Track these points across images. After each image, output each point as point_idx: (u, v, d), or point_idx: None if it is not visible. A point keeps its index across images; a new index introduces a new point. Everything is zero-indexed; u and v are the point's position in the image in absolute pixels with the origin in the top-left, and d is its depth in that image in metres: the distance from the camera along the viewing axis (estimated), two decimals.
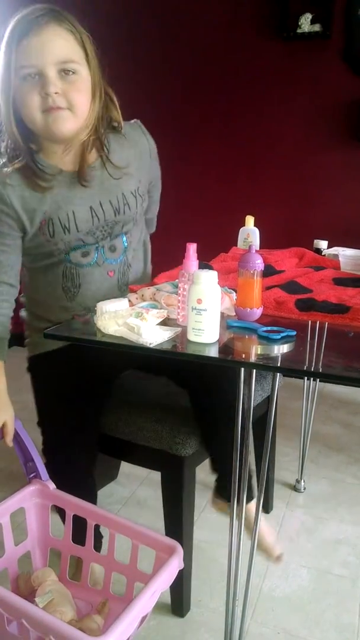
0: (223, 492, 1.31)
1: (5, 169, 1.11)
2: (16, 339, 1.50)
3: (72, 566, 1.30)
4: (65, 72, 1.05)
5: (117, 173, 1.21)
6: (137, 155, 1.29)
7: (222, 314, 0.98)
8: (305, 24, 2.48)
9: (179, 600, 1.36)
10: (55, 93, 1.04)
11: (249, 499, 1.25)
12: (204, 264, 1.34)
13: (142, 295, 1.11)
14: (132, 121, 1.34)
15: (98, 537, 1.25)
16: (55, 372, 1.34)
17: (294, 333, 0.94)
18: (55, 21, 1.03)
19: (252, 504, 1.26)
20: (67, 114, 1.07)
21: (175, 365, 1.23)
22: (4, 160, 1.12)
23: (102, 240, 1.23)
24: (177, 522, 1.30)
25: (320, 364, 0.84)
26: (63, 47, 1.04)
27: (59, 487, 1.23)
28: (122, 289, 1.29)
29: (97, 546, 1.23)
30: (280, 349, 0.90)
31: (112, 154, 1.22)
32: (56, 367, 1.34)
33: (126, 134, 1.27)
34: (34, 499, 1.25)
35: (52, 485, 1.25)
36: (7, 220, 1.15)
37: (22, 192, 1.13)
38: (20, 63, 1.03)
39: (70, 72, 1.05)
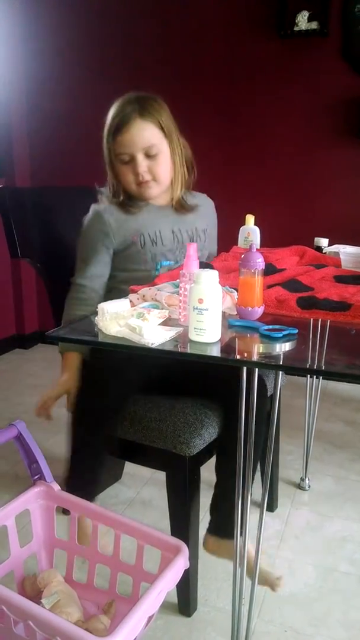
0: (221, 528, 1.31)
1: (107, 205, 1.48)
2: (18, 340, 1.50)
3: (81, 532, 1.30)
4: (148, 153, 1.40)
5: (190, 212, 1.55)
6: (205, 209, 1.63)
7: (224, 314, 0.98)
8: (303, 21, 2.48)
9: (185, 599, 1.36)
10: (144, 171, 1.41)
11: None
12: (205, 263, 1.34)
13: (144, 296, 1.11)
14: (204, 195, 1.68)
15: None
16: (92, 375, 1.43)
17: (296, 331, 0.94)
18: (139, 116, 1.38)
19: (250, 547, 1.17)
20: (153, 184, 1.44)
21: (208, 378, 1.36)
22: (107, 201, 1.49)
23: (182, 260, 1.38)
24: (183, 522, 1.30)
25: (323, 361, 0.84)
26: (146, 137, 1.39)
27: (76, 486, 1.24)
28: None
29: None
30: (282, 348, 0.90)
31: (187, 198, 1.56)
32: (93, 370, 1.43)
33: (202, 202, 1.62)
34: (38, 500, 1.25)
35: (56, 487, 1.25)
36: (103, 238, 1.44)
37: (118, 215, 1.45)
38: (118, 151, 1.41)
39: (153, 152, 1.40)
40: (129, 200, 1.48)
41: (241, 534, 1.06)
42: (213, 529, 1.34)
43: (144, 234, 1.45)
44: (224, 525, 1.29)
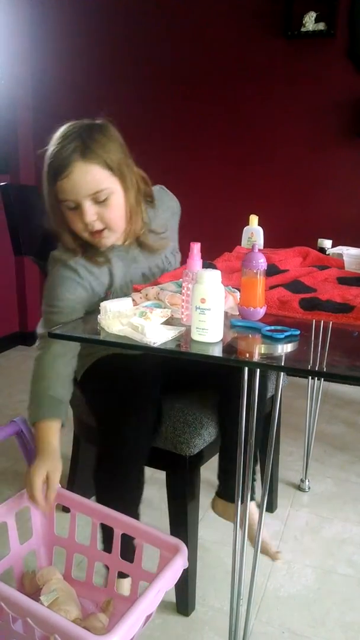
0: (228, 491, 1.32)
1: (71, 259, 1.26)
2: (21, 337, 1.50)
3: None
4: (97, 199, 1.18)
5: (158, 241, 1.37)
6: (170, 217, 1.45)
7: (226, 314, 0.98)
8: (310, 22, 2.48)
9: (183, 599, 1.36)
10: (93, 220, 1.20)
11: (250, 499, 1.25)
12: (208, 263, 1.34)
13: (146, 295, 1.11)
14: (158, 187, 1.45)
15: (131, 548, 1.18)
16: (108, 372, 1.35)
17: (298, 332, 0.93)
18: (81, 158, 1.15)
19: (253, 505, 1.29)
20: (107, 233, 1.23)
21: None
22: (66, 254, 1.27)
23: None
24: (182, 522, 1.30)
25: (325, 363, 0.84)
26: (91, 182, 1.16)
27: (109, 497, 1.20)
28: None
29: (129, 557, 1.17)
30: (284, 349, 0.90)
31: (152, 223, 1.37)
32: (109, 369, 1.35)
33: (158, 199, 1.40)
34: None
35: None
36: (80, 291, 1.26)
37: (90, 269, 1.27)
38: (61, 197, 1.18)
39: (102, 198, 1.18)
40: (91, 248, 1.27)
41: (241, 534, 1.06)
42: (222, 493, 1.35)
43: (115, 287, 1.30)
44: (232, 488, 1.25)
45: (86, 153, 1.15)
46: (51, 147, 1.18)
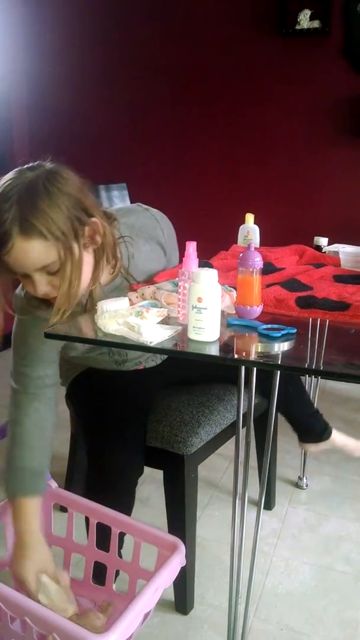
0: (309, 433, 1.60)
1: (38, 311, 1.14)
2: None
3: None
4: (49, 271, 1.02)
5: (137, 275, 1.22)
6: (154, 248, 1.27)
7: (223, 312, 0.98)
8: (304, 20, 2.48)
9: (182, 597, 1.36)
10: (46, 292, 1.05)
11: (329, 434, 1.61)
12: (204, 262, 1.34)
13: (143, 294, 1.11)
14: (136, 206, 1.29)
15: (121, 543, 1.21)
16: (95, 387, 1.35)
17: (295, 331, 0.94)
18: (20, 235, 0.97)
19: (335, 435, 1.62)
20: (61, 297, 1.04)
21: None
22: (31, 303, 1.15)
23: None
24: (180, 520, 1.31)
25: (321, 361, 0.85)
26: (35, 258, 1.00)
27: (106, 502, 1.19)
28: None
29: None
30: (281, 347, 0.90)
31: (132, 264, 1.21)
32: (96, 384, 1.35)
33: (139, 229, 1.24)
34: None
35: (54, 484, 1.25)
36: (50, 342, 1.16)
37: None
38: (8, 269, 1.03)
39: (54, 270, 1.02)
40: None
41: (239, 532, 1.07)
42: (308, 439, 1.61)
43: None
44: (315, 429, 1.60)
45: (26, 228, 0.96)
46: None
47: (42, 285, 1.04)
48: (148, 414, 1.32)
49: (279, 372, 0.95)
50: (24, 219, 0.96)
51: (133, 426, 1.27)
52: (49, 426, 1.17)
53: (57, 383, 1.21)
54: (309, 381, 1.82)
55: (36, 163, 1.07)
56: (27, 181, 1.01)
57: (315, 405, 1.64)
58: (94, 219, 1.05)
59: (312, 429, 1.59)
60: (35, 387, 1.15)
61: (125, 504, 1.26)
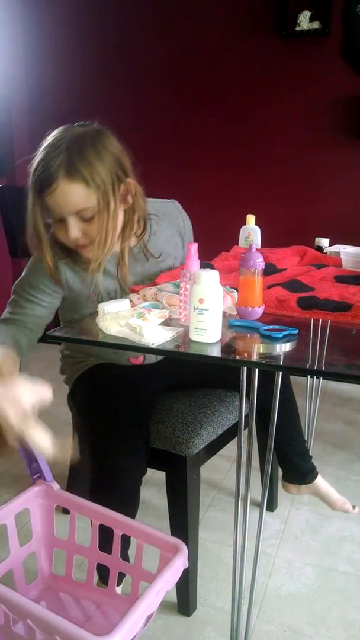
0: (293, 472, 1.54)
1: (59, 260, 1.24)
2: None
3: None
4: (82, 217, 1.14)
5: (154, 259, 1.33)
6: (174, 234, 1.40)
7: (224, 313, 0.98)
8: (304, 21, 2.48)
9: (185, 599, 1.36)
10: (77, 237, 1.16)
11: (313, 477, 1.54)
12: (206, 263, 1.34)
13: (144, 296, 1.11)
14: (170, 201, 1.43)
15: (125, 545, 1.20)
16: (99, 386, 1.35)
17: (296, 331, 0.94)
18: (65, 177, 1.09)
19: (318, 481, 1.55)
20: (91, 247, 1.17)
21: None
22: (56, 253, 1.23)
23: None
24: (182, 522, 1.30)
25: (323, 362, 0.84)
26: (75, 201, 1.11)
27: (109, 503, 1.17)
28: None
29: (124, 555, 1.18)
30: (283, 348, 0.90)
31: (152, 240, 1.32)
32: (99, 383, 1.36)
33: (164, 214, 1.37)
34: (38, 499, 1.25)
35: (56, 486, 1.25)
36: (55, 287, 1.25)
37: (70, 275, 1.25)
38: (46, 209, 1.15)
39: (88, 216, 1.14)
40: (76, 253, 1.24)
41: (242, 533, 1.06)
42: (292, 478, 1.55)
43: (101, 292, 1.28)
44: (298, 471, 1.54)
45: (71, 172, 1.08)
46: (38, 156, 1.12)
47: (75, 230, 1.14)
48: (150, 414, 1.32)
49: (281, 372, 0.95)
50: (71, 164, 1.08)
51: (136, 425, 1.26)
52: (22, 340, 1.19)
53: (36, 337, 1.27)
54: (310, 382, 1.82)
55: (85, 122, 1.18)
56: (77, 134, 1.12)
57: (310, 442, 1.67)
58: (129, 180, 1.17)
59: (298, 468, 1.53)
60: (20, 315, 1.23)
61: (130, 503, 1.26)
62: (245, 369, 0.94)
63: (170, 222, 1.38)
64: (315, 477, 1.54)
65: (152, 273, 1.32)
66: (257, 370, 0.94)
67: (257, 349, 0.91)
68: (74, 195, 1.10)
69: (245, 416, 1.02)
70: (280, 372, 0.95)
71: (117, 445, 1.23)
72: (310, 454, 1.60)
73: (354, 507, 1.53)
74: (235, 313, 1.02)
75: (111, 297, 1.28)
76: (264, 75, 2.66)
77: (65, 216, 1.13)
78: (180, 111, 2.85)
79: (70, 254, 1.23)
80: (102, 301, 1.19)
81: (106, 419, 1.27)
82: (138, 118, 2.84)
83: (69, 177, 1.08)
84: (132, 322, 0.92)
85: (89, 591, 1.25)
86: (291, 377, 1.54)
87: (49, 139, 1.13)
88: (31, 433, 0.91)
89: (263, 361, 0.86)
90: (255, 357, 0.89)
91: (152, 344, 0.89)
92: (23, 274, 1.27)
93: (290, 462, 1.53)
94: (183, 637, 1.31)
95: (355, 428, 2.33)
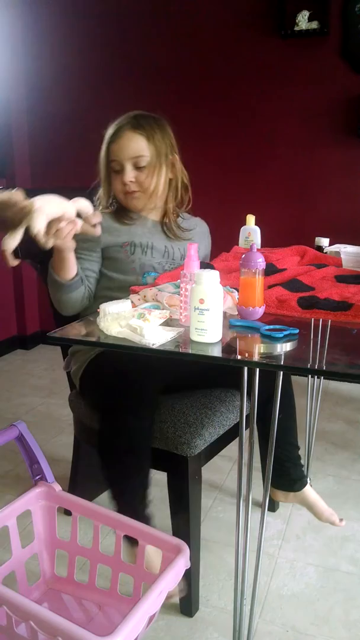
0: (282, 478, 1.51)
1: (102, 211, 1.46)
2: (20, 341, 1.50)
3: None
4: (137, 164, 1.42)
5: (186, 233, 1.55)
6: (199, 233, 1.61)
7: (225, 314, 0.99)
8: (303, 21, 2.48)
9: (187, 599, 1.36)
10: (130, 181, 1.42)
11: (302, 485, 1.52)
12: (206, 263, 1.35)
13: (145, 296, 1.11)
14: (198, 218, 1.67)
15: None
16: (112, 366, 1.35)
17: (297, 331, 0.94)
18: (131, 129, 1.42)
19: (307, 490, 1.52)
20: (139, 195, 1.45)
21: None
22: (101, 206, 1.50)
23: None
24: (184, 522, 1.30)
25: (324, 361, 0.84)
26: (134, 148, 1.41)
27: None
28: None
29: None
30: (283, 348, 0.90)
31: (183, 221, 1.57)
32: (112, 364, 1.35)
33: (193, 223, 1.60)
34: (40, 501, 1.26)
35: (57, 487, 1.25)
36: (93, 244, 1.43)
37: (109, 224, 1.45)
38: (110, 158, 1.44)
39: (141, 164, 1.42)
40: (122, 211, 1.49)
41: (244, 533, 1.06)
42: (279, 484, 1.53)
43: (135, 242, 1.45)
44: (285, 477, 1.51)
45: (136, 126, 1.42)
46: (115, 121, 1.45)
47: (130, 174, 1.41)
48: (160, 387, 1.31)
49: (281, 372, 0.95)
50: (137, 122, 1.43)
51: (147, 390, 1.27)
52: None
53: (91, 290, 1.45)
54: (311, 382, 1.82)
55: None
56: (144, 113, 1.48)
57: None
58: (176, 156, 1.49)
59: (288, 474, 1.51)
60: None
61: (143, 465, 1.26)
62: (246, 369, 0.94)
63: (206, 232, 1.67)
64: (304, 485, 1.52)
65: (182, 241, 1.53)
66: (257, 370, 0.94)
67: (258, 349, 0.91)
68: (134, 142, 1.41)
69: (246, 416, 1.02)
70: (281, 374, 0.95)
71: (128, 404, 1.23)
72: (312, 453, 1.60)
73: (341, 520, 1.50)
74: (236, 313, 1.02)
75: (143, 249, 1.45)
76: (263, 75, 2.66)
77: (124, 161, 1.41)
78: (178, 111, 2.85)
79: (114, 210, 1.49)
80: (134, 253, 1.44)
81: (119, 381, 1.27)
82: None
83: (133, 129, 1.41)
84: (132, 322, 0.92)
85: (91, 592, 1.25)
86: (292, 377, 1.54)
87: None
88: (36, 215, 1.04)
89: (264, 361, 0.86)
90: (256, 357, 0.89)
91: (153, 344, 0.89)
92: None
93: (281, 467, 1.49)
94: (185, 638, 1.31)
95: (357, 428, 2.33)
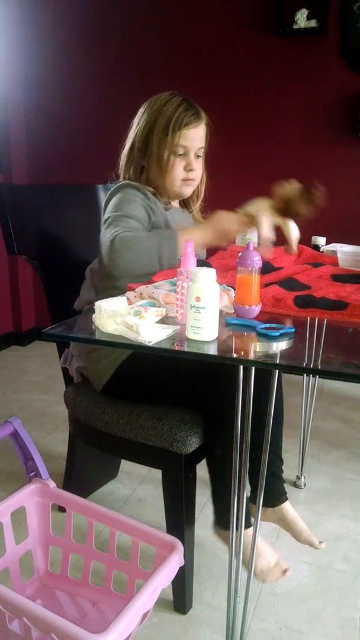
0: (223, 519, 1.28)
1: (142, 187, 1.41)
2: (15, 337, 1.49)
3: None
4: (198, 154, 1.44)
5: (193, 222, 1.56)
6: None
7: (221, 312, 0.98)
8: (302, 19, 2.48)
9: (180, 597, 1.36)
10: (195, 168, 1.44)
11: (282, 501, 1.42)
12: (202, 261, 1.34)
13: (141, 294, 1.10)
14: None
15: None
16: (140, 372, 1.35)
17: (293, 330, 0.94)
18: (202, 119, 1.42)
19: (285, 506, 1.42)
20: (192, 184, 1.47)
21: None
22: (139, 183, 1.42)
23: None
24: (178, 519, 1.31)
25: (320, 360, 0.85)
26: (203, 137, 1.44)
27: None
28: None
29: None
30: (279, 346, 0.90)
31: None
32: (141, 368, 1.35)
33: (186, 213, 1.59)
34: (34, 497, 1.25)
35: (52, 484, 1.25)
36: (144, 213, 1.36)
37: (154, 201, 1.41)
38: (177, 142, 1.39)
39: (200, 154, 1.45)
40: (159, 195, 1.45)
41: (236, 530, 1.07)
42: (219, 522, 1.31)
43: (170, 223, 1.43)
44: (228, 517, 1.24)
45: (203, 117, 1.43)
46: (172, 104, 1.39)
47: (195, 163, 1.43)
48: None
49: (277, 371, 0.95)
50: (201, 111, 1.43)
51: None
52: None
53: None
54: (306, 380, 1.82)
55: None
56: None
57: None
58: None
59: (269, 489, 1.39)
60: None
61: None
62: (242, 367, 0.94)
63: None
64: (283, 501, 1.42)
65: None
66: (253, 368, 0.94)
67: (254, 348, 0.91)
68: (203, 132, 1.43)
69: (241, 414, 1.02)
70: (275, 383, 0.95)
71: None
72: (306, 452, 1.59)
73: (320, 542, 1.37)
74: (232, 311, 1.02)
75: None
76: (261, 73, 2.66)
77: (192, 150, 1.41)
78: None
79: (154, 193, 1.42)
80: None
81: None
82: (134, 116, 2.83)
83: (203, 119, 1.42)
84: (128, 320, 0.92)
85: (85, 589, 1.25)
86: (287, 375, 1.54)
87: (169, 97, 1.40)
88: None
89: (260, 359, 0.86)
90: (251, 356, 0.89)
91: (149, 342, 0.89)
92: (122, 206, 1.32)
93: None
94: (179, 635, 1.31)
95: (352, 426, 2.34)
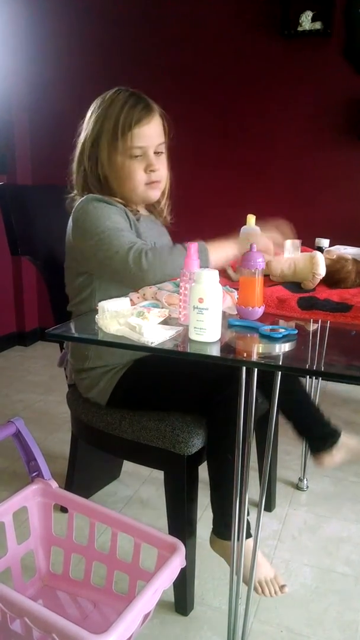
0: (223, 530, 1.25)
1: (107, 198, 1.30)
2: (18, 337, 1.49)
3: None
4: (157, 150, 1.31)
5: (162, 226, 1.49)
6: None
7: (224, 313, 0.98)
8: (306, 21, 2.48)
9: (182, 598, 1.36)
10: (157, 168, 1.31)
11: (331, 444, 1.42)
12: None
13: (144, 295, 1.11)
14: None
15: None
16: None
17: (296, 332, 0.94)
18: (154, 111, 1.29)
19: (343, 439, 1.43)
20: (158, 185, 1.34)
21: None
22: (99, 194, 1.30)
23: None
24: (180, 521, 1.30)
25: (322, 362, 0.84)
26: (160, 133, 1.31)
27: None
28: None
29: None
30: (282, 348, 0.90)
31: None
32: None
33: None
34: (36, 497, 1.26)
35: (54, 484, 1.25)
36: (119, 218, 1.28)
37: (124, 210, 1.32)
38: (131, 144, 1.27)
39: (160, 150, 1.32)
40: (127, 206, 1.34)
41: (238, 533, 1.06)
42: (217, 532, 1.28)
43: (141, 236, 1.33)
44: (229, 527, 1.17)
45: (155, 108, 1.30)
46: (117, 103, 1.27)
47: (155, 164, 1.29)
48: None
49: (280, 373, 0.95)
50: (151, 102, 1.30)
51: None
52: None
53: None
54: (309, 382, 1.82)
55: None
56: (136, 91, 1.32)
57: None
58: None
59: (319, 436, 1.43)
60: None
61: None
62: (244, 368, 0.94)
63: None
64: (338, 437, 1.42)
65: (162, 235, 1.46)
66: (255, 370, 0.94)
67: (257, 349, 0.91)
68: (160, 127, 1.30)
69: (244, 416, 1.02)
70: (278, 385, 0.95)
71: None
72: (309, 454, 1.58)
73: None
74: (235, 313, 1.02)
75: (150, 243, 1.33)
76: (266, 75, 2.66)
77: (150, 149, 1.28)
78: (180, 111, 2.84)
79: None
80: None
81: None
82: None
83: (159, 113, 1.30)
84: (131, 320, 0.92)
85: (87, 590, 1.25)
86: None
87: (113, 96, 1.28)
88: None
89: (262, 361, 0.86)
90: (254, 357, 0.88)
91: (152, 343, 0.89)
92: (103, 221, 1.22)
93: (309, 434, 1.45)
94: (180, 637, 1.31)
95: (354, 429, 2.33)
